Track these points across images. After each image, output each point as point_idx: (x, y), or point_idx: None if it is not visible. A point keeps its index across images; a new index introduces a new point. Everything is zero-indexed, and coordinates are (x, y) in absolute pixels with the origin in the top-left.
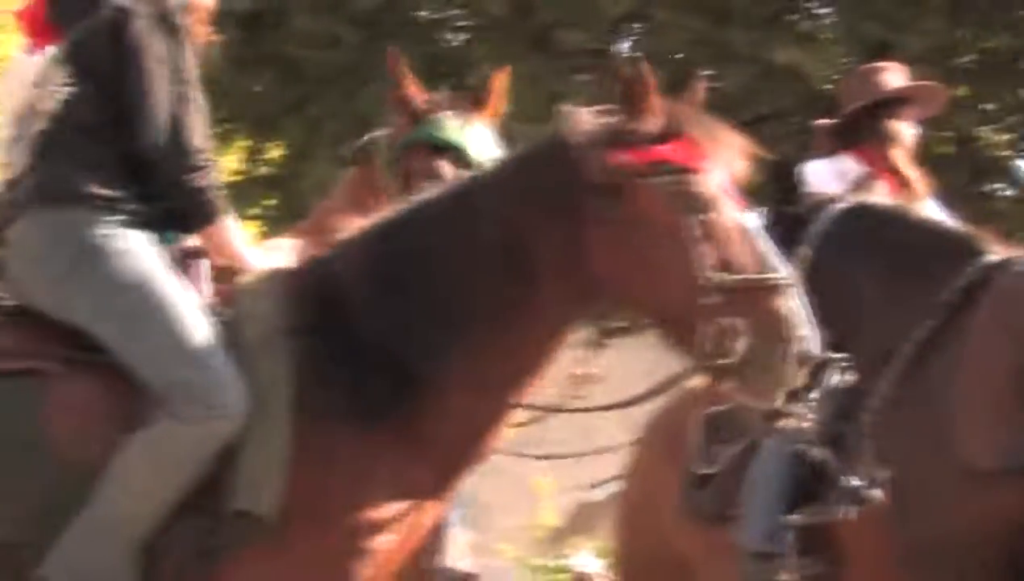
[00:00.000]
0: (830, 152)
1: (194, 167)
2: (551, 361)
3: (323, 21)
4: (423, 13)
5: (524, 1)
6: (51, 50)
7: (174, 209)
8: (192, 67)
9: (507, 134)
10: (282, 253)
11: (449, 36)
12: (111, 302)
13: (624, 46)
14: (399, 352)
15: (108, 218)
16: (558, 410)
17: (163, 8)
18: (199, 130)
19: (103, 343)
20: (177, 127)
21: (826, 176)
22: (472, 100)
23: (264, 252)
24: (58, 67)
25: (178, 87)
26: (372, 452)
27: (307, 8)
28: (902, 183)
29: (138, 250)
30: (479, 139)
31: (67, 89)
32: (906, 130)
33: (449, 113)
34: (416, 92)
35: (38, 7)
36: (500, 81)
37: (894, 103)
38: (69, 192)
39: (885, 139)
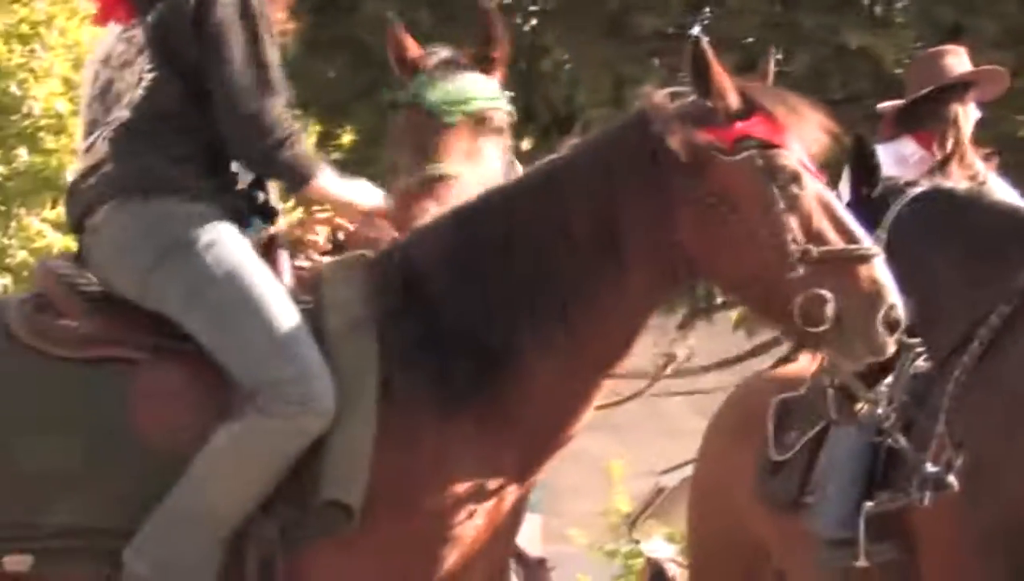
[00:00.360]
0: (892, 136)
1: (279, 142)
2: (634, 343)
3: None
4: None
5: None
6: (122, 27)
7: (272, 177)
8: (272, 54)
9: (510, 84)
10: (371, 191)
11: (520, 21)
12: (202, 293)
13: (696, 30)
14: (482, 336)
15: (196, 208)
16: (634, 377)
17: None
18: (278, 107)
19: (192, 333)
20: (258, 111)
21: (887, 160)
22: (473, 53)
23: (363, 190)
24: (134, 48)
25: (258, 73)
26: (456, 437)
27: None
28: (964, 166)
29: (228, 240)
30: (458, 91)
31: (149, 75)
32: (970, 113)
33: (433, 68)
34: (413, 50)
35: None
36: (495, 26)
37: (959, 87)
38: (156, 182)
39: (948, 123)
